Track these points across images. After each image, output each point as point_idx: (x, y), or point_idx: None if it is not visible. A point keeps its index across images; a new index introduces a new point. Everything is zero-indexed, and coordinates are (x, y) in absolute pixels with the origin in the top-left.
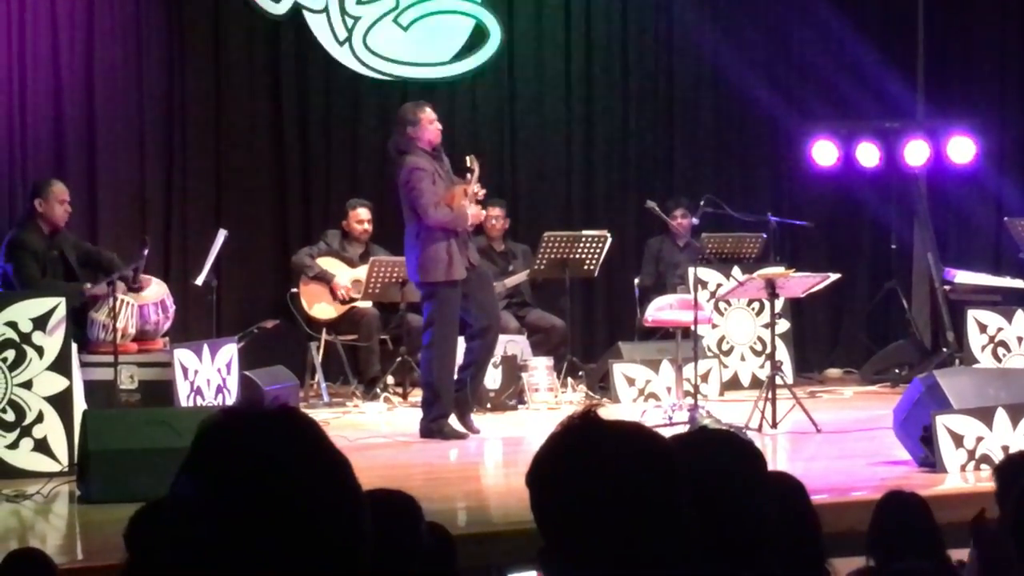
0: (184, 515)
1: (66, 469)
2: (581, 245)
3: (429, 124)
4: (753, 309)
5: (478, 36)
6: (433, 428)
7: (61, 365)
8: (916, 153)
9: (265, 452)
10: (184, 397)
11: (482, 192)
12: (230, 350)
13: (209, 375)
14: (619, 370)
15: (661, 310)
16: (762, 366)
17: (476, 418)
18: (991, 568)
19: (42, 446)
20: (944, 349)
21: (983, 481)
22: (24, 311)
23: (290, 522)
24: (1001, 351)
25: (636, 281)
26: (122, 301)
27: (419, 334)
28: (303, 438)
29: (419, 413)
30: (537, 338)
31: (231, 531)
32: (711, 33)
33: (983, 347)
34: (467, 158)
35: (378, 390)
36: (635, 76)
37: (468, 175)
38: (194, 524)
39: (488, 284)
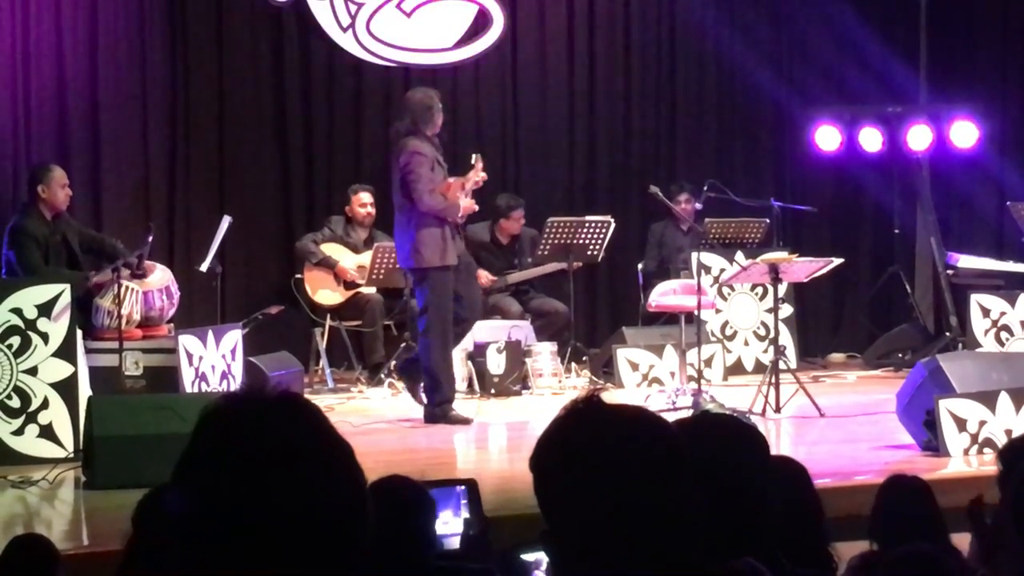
0: (185, 506)
1: (71, 455)
2: (584, 230)
3: (439, 112)
4: (756, 294)
5: (481, 22)
6: (437, 413)
7: (66, 351)
8: (919, 138)
9: (267, 438)
10: (189, 383)
11: (481, 181)
12: (235, 336)
13: (214, 361)
14: (623, 355)
15: (665, 295)
16: (765, 351)
17: (481, 403)
18: (990, 551)
19: (47, 432)
20: (947, 333)
21: (986, 465)
22: (29, 297)
23: (292, 508)
24: (1004, 335)
25: (640, 266)
26: (127, 287)
27: None
28: (305, 424)
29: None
30: (540, 323)
31: (232, 518)
32: (714, 18)
33: (986, 331)
34: (473, 156)
35: (382, 375)
36: (638, 61)
37: (471, 171)
38: (195, 513)
39: (474, 277)
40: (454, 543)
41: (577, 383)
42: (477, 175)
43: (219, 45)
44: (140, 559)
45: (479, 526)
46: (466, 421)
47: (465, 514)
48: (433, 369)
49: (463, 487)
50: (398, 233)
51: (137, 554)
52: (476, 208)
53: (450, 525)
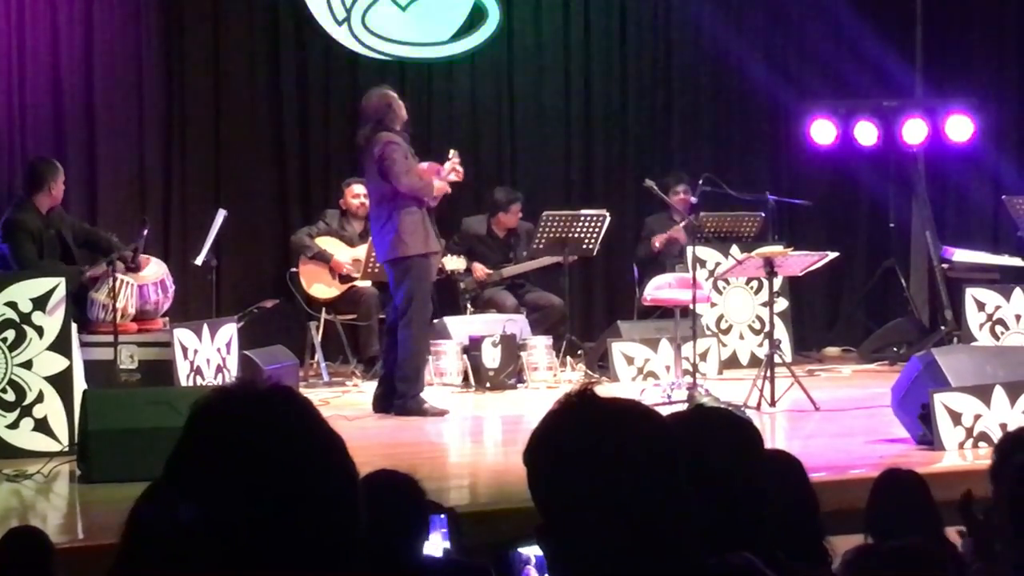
0: (182, 510)
1: (66, 449)
2: (580, 224)
3: (400, 106)
4: (752, 288)
5: (477, 15)
6: (411, 406)
7: (61, 345)
8: (914, 131)
9: (257, 432)
10: (184, 377)
11: (456, 173)
12: (230, 330)
13: (209, 355)
14: (618, 349)
15: (660, 289)
16: (761, 344)
17: (477, 397)
18: (984, 545)
19: (42, 426)
20: (942, 327)
21: (981, 459)
22: (24, 291)
23: (283, 501)
24: (999, 329)
25: (636, 251)
26: (122, 281)
27: None
28: (295, 417)
29: None
30: (536, 317)
31: (223, 511)
32: (709, 12)
33: (981, 325)
34: (450, 151)
35: (377, 369)
36: (633, 55)
37: (447, 163)
38: (186, 510)
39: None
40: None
41: (572, 377)
42: (453, 166)
43: (214, 38)
44: (135, 557)
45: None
46: (441, 412)
47: (446, 544)
48: (413, 361)
49: (443, 515)
50: (377, 230)
51: (132, 552)
52: (449, 190)
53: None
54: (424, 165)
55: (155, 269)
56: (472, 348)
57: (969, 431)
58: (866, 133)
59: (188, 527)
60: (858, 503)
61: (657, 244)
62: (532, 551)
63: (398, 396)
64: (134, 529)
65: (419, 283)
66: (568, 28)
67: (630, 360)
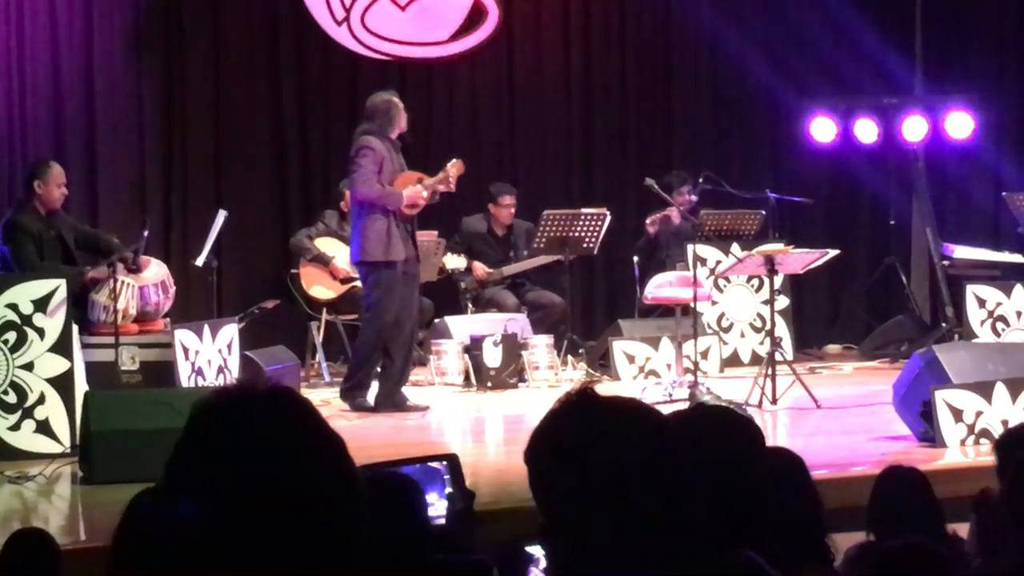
0: (178, 499)
1: (68, 450)
2: (580, 223)
3: (400, 115)
4: (752, 286)
5: (476, 15)
6: (347, 394)
7: (62, 347)
8: (914, 129)
9: (257, 433)
10: (185, 378)
11: (447, 185)
12: (231, 330)
13: (210, 355)
14: (619, 347)
15: (660, 287)
16: (762, 342)
17: (478, 396)
18: (991, 540)
19: (44, 427)
20: (943, 324)
21: (983, 455)
22: (25, 293)
23: (284, 502)
24: (1000, 326)
25: (636, 244)
26: (122, 282)
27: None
28: (295, 418)
29: (416, 391)
30: (537, 316)
31: (224, 512)
32: (709, 9)
33: (982, 322)
34: (452, 160)
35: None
36: (633, 53)
37: (441, 173)
38: (187, 508)
39: (413, 287)
40: (441, 522)
41: (573, 376)
42: (446, 176)
43: (214, 39)
44: (132, 554)
45: (463, 500)
46: (370, 410)
47: (449, 489)
48: (361, 355)
49: (444, 463)
50: (352, 230)
51: (127, 553)
52: (424, 199)
53: (436, 507)
54: (408, 172)
55: (156, 270)
56: (473, 347)
57: (971, 428)
58: (866, 130)
59: (189, 527)
60: (860, 500)
61: (650, 228)
62: (539, 551)
63: (344, 380)
64: (132, 524)
65: (378, 289)
66: (568, 27)
67: (631, 359)
